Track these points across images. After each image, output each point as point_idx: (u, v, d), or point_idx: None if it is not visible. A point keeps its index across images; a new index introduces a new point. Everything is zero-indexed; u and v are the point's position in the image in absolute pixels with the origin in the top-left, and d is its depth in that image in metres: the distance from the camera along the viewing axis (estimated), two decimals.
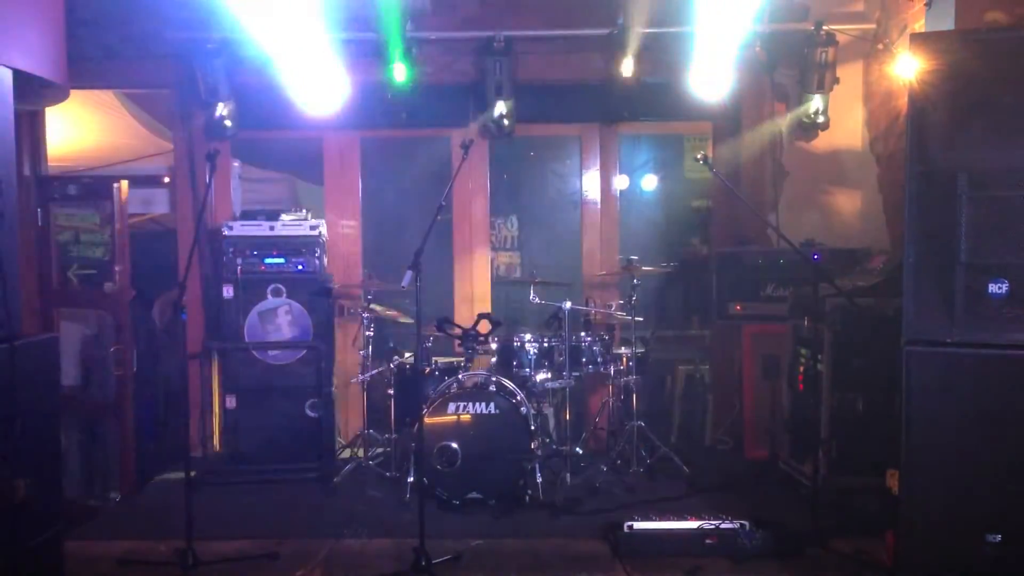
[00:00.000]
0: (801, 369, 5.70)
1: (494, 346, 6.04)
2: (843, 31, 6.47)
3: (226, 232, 6.35)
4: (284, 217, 6.42)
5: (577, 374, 6.11)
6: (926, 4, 5.41)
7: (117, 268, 6.61)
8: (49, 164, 7.04)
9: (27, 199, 6.60)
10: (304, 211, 6.58)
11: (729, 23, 5.95)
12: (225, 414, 6.35)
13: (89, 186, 6.87)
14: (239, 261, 6.34)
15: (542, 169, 8.08)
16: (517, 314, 7.21)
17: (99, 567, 4.57)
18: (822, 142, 6.82)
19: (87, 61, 6.45)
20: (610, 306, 6.52)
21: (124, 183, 6.57)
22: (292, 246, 6.39)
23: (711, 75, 6.36)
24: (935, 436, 3.83)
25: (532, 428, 5.58)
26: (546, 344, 6.10)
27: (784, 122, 6.83)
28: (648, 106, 6.75)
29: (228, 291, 6.34)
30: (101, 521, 5.49)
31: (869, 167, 6.75)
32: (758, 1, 5.94)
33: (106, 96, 7.69)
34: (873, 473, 4.49)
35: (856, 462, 5.17)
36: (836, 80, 6.42)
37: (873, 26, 6.56)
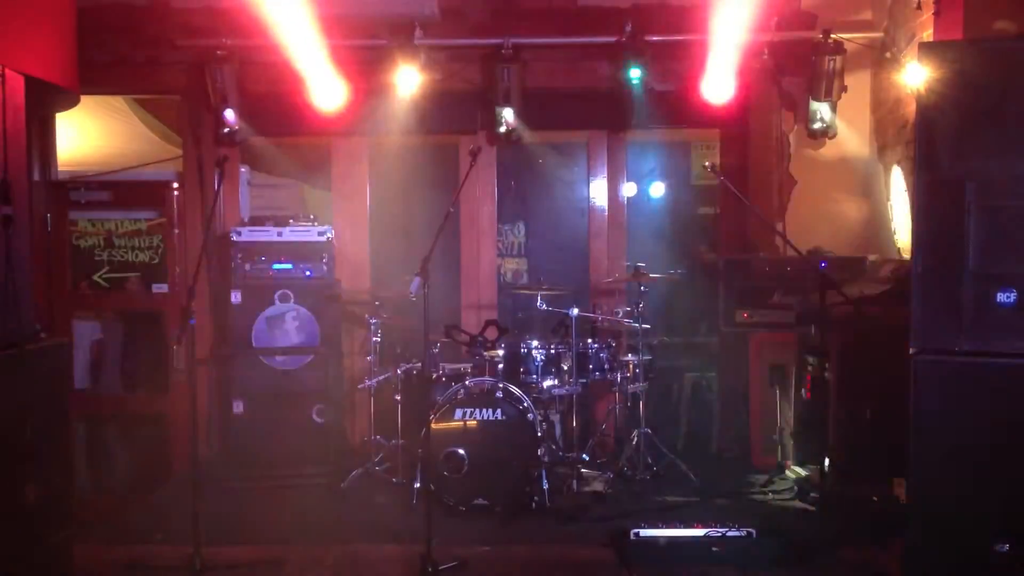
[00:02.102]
0: (808, 377, 5.69)
1: (501, 352, 6.03)
2: (851, 39, 6.48)
3: (234, 238, 6.37)
4: (292, 223, 6.44)
5: (584, 381, 6.10)
6: (934, 13, 5.42)
7: (178, 269, 6.73)
8: (59, 169, 7.10)
9: (40, 204, 6.67)
10: (312, 217, 6.60)
11: (737, 31, 5.96)
12: (232, 419, 6.36)
13: (132, 190, 7.00)
14: (247, 266, 6.36)
15: (549, 176, 8.09)
16: (524, 320, 7.20)
17: (108, 572, 4.59)
18: (830, 150, 6.82)
19: (97, 67, 6.47)
20: (617, 313, 6.52)
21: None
22: (300, 252, 6.41)
23: (719, 83, 6.38)
24: (943, 445, 3.82)
25: (539, 435, 5.58)
26: (553, 351, 6.10)
27: (792, 130, 6.83)
28: (656, 113, 6.76)
29: (236, 296, 6.35)
30: (109, 526, 5.50)
31: (877, 175, 6.75)
32: (766, 9, 5.95)
33: (116, 102, 7.74)
34: (881, 481, 4.48)
35: (864, 470, 5.16)
36: (844, 88, 6.41)
37: (881, 35, 6.57)
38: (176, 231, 6.88)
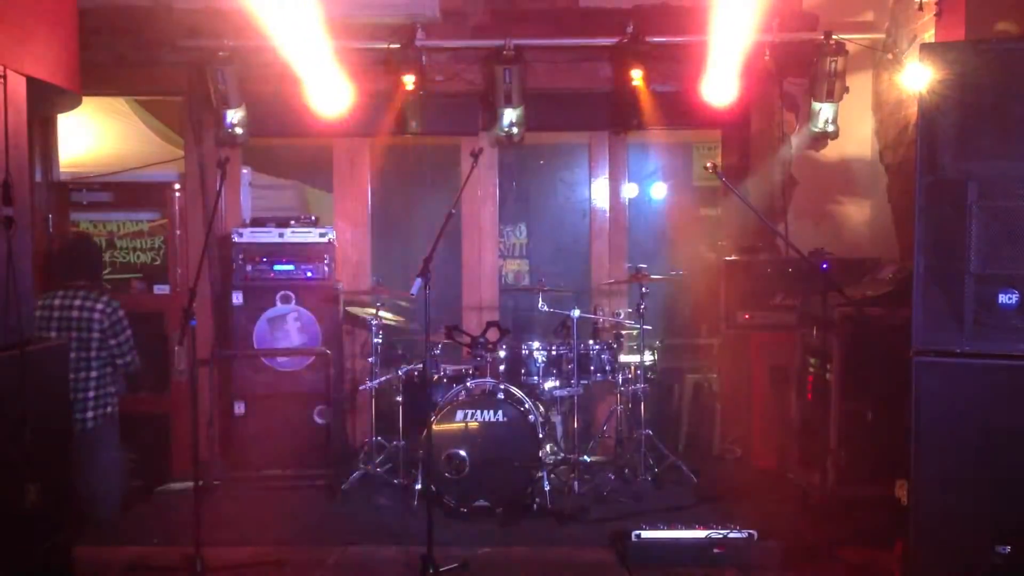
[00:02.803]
0: (810, 378, 5.69)
1: (502, 354, 6.03)
2: (853, 40, 6.47)
3: (236, 239, 6.37)
4: (293, 224, 6.44)
5: (585, 382, 6.10)
6: (936, 14, 5.41)
7: (179, 271, 6.84)
8: (61, 170, 7.10)
9: (42, 205, 6.68)
10: (313, 218, 6.60)
11: (739, 32, 5.96)
12: (233, 420, 6.36)
13: (134, 191, 7.02)
14: (248, 268, 6.37)
15: (551, 177, 8.10)
16: (525, 322, 7.21)
17: (108, 573, 4.59)
18: (831, 151, 6.81)
19: (99, 68, 6.48)
20: (618, 314, 6.52)
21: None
22: (301, 253, 6.41)
23: (720, 84, 6.38)
24: (944, 446, 3.82)
25: (540, 436, 5.58)
26: (554, 352, 6.10)
27: (794, 131, 6.83)
28: (657, 114, 6.76)
29: (237, 297, 6.36)
30: (110, 527, 5.51)
31: (878, 176, 6.74)
32: (768, 11, 5.95)
33: (118, 103, 7.74)
34: (882, 483, 4.47)
35: (865, 472, 5.15)
36: (846, 89, 6.40)
37: (883, 36, 6.56)
38: (178, 232, 6.90)
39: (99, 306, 5.34)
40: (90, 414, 5.32)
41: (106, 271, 7.03)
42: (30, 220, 3.90)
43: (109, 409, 5.45)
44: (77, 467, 5.29)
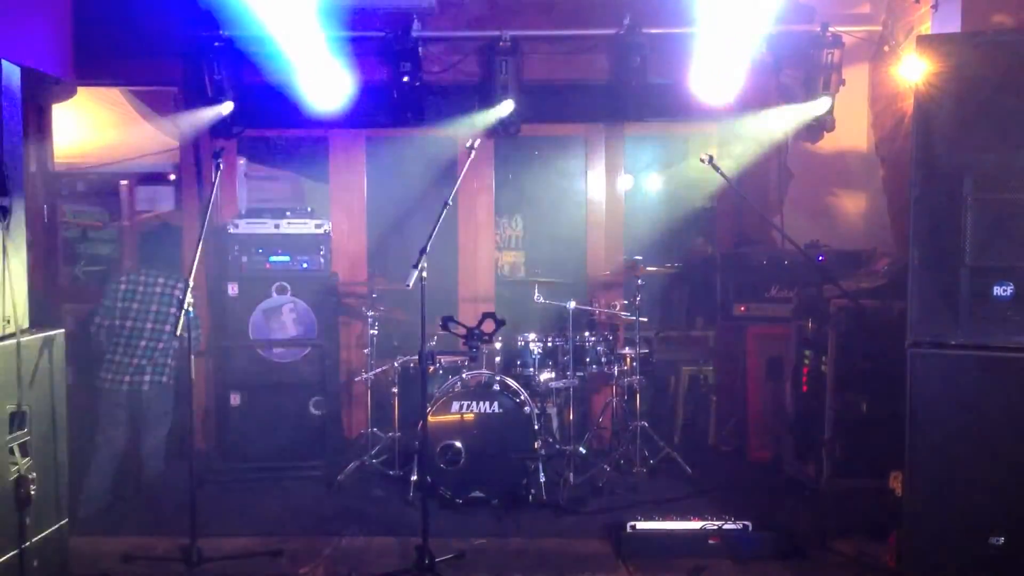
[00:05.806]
0: (805, 370, 5.70)
1: (498, 345, 6.04)
2: (849, 33, 6.47)
3: (231, 230, 6.36)
4: (289, 215, 6.43)
5: (581, 374, 6.12)
6: (932, 6, 5.41)
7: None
8: (56, 161, 7.08)
9: (38, 195, 6.66)
10: (309, 209, 6.59)
11: (735, 24, 5.95)
12: (229, 411, 6.36)
13: (96, 183, 6.99)
14: (244, 259, 6.36)
15: (547, 169, 8.07)
16: (521, 313, 7.19)
17: (104, 563, 4.59)
18: (827, 143, 6.81)
19: (94, 58, 6.46)
20: (614, 306, 6.53)
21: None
22: (297, 244, 6.40)
23: (717, 76, 6.37)
24: (939, 438, 3.83)
25: (535, 427, 5.59)
26: (550, 344, 6.11)
27: (789, 124, 6.83)
28: (653, 106, 6.75)
29: (233, 289, 6.35)
30: (106, 517, 5.51)
31: (874, 169, 6.75)
32: (764, 2, 5.94)
33: (113, 93, 7.71)
34: (877, 475, 4.49)
35: (860, 463, 5.17)
36: (842, 82, 6.40)
37: (879, 28, 6.56)
38: (126, 223, 6.87)
39: (180, 284, 5.73)
40: (147, 377, 5.69)
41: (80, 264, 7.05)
42: (26, 210, 3.88)
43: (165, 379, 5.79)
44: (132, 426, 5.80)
